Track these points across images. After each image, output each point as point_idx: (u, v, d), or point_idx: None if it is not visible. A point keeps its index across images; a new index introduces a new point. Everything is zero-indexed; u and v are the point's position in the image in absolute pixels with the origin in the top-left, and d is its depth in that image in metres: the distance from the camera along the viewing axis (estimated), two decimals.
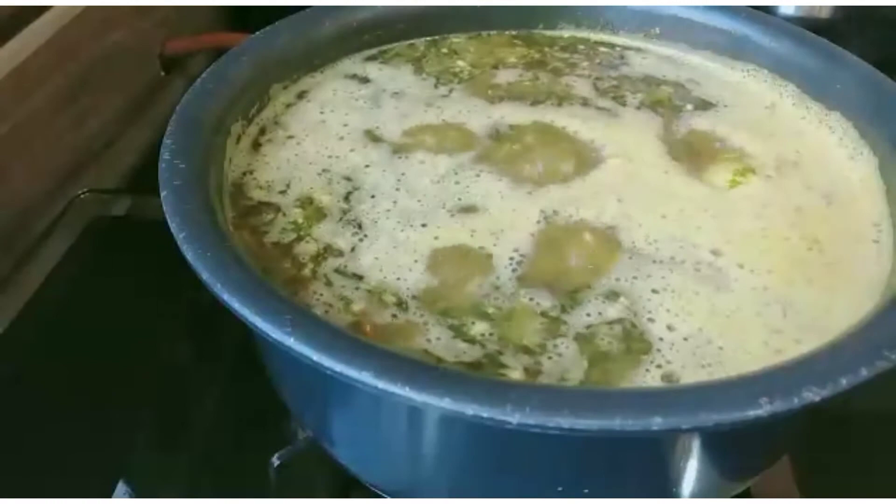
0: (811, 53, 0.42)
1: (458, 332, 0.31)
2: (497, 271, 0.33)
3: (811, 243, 0.35)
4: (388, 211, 0.36)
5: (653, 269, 0.33)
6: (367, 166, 0.38)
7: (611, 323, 0.31)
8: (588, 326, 0.31)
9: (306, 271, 0.33)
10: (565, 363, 0.30)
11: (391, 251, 0.34)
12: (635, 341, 0.31)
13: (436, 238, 0.34)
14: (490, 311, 0.31)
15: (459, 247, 0.34)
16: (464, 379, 0.27)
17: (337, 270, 0.33)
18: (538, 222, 0.35)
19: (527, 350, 0.30)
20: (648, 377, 0.29)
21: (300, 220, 0.35)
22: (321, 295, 0.32)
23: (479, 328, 0.31)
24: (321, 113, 0.42)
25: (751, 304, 0.32)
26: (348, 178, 0.38)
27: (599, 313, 0.32)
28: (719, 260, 0.34)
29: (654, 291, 0.32)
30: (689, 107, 0.43)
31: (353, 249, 0.34)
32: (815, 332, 0.30)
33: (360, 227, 0.35)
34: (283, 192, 0.37)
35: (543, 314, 0.32)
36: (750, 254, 0.34)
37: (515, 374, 0.29)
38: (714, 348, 0.30)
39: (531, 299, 0.32)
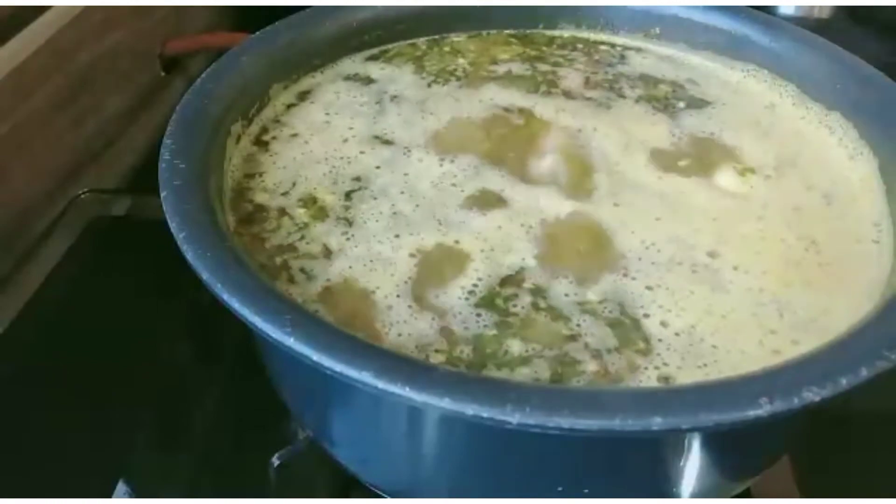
0: (811, 53, 0.42)
1: (507, 364, 0.30)
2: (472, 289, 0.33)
3: (808, 244, 0.35)
4: (380, 213, 0.36)
5: (647, 271, 0.33)
6: (377, 167, 0.38)
7: (601, 301, 0.32)
8: (580, 304, 0.32)
9: (277, 262, 0.33)
10: (599, 334, 0.31)
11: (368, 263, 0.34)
12: (629, 318, 0.31)
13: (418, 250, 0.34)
14: (494, 332, 0.31)
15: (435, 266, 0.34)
16: (464, 379, 0.27)
17: (302, 270, 0.33)
18: (527, 232, 0.35)
19: (571, 339, 0.30)
20: (644, 378, 0.29)
21: (305, 221, 0.35)
22: (289, 292, 0.32)
23: (516, 349, 0.30)
24: (326, 114, 0.41)
25: (746, 304, 0.32)
26: (357, 178, 0.38)
27: (576, 293, 0.32)
28: (715, 262, 0.34)
29: (647, 288, 0.32)
30: (688, 106, 0.43)
31: (340, 250, 0.34)
32: (814, 333, 0.31)
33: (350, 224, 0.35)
34: (286, 193, 0.37)
35: (535, 307, 0.32)
36: (746, 255, 0.34)
37: (592, 367, 0.29)
38: (708, 346, 0.30)
39: (517, 305, 0.32)
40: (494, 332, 0.31)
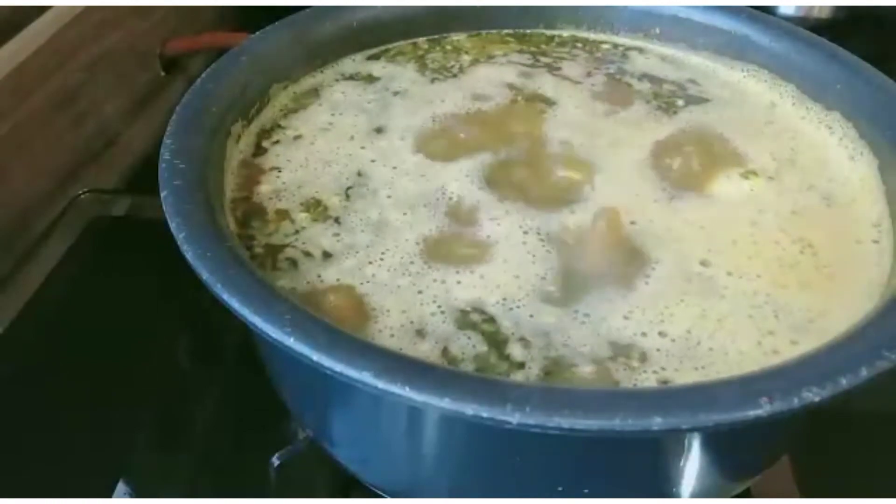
0: (811, 53, 0.42)
1: (503, 372, 0.30)
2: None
3: (804, 247, 0.35)
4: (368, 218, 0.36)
5: (640, 278, 0.33)
6: (373, 162, 0.38)
7: (588, 314, 0.32)
8: (573, 318, 0.31)
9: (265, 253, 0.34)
10: (590, 343, 0.30)
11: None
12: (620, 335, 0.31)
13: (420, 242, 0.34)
14: (483, 350, 0.30)
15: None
16: (464, 379, 0.27)
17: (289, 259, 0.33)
18: (515, 237, 0.34)
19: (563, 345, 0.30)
20: (643, 380, 0.29)
21: (305, 224, 0.35)
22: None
23: (518, 354, 0.30)
24: (331, 114, 0.42)
25: (742, 308, 0.32)
26: (358, 174, 0.38)
27: (567, 304, 0.32)
28: (707, 270, 0.33)
29: (639, 299, 0.32)
30: (688, 106, 0.43)
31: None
32: (813, 334, 0.31)
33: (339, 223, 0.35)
34: (289, 194, 0.37)
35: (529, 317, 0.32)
36: (739, 260, 0.34)
37: (588, 370, 0.29)
38: (704, 349, 0.30)
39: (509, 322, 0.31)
40: (484, 348, 0.30)
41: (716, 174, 0.38)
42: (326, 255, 0.34)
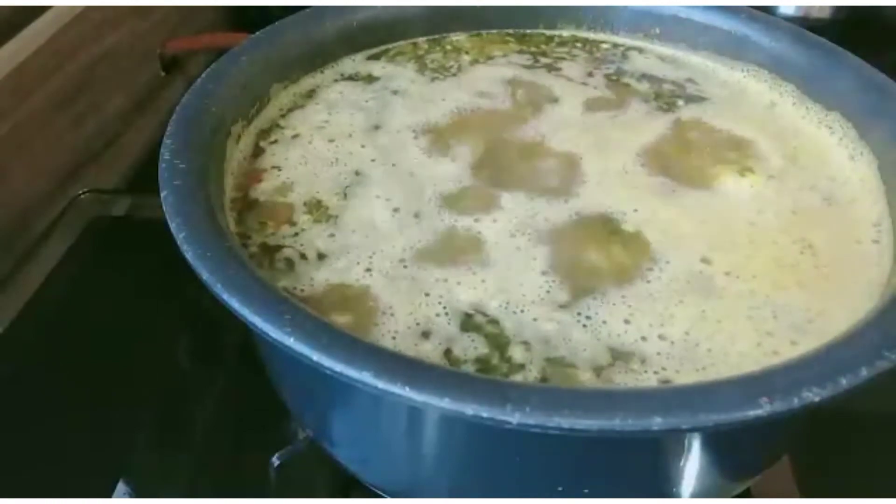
0: (811, 53, 0.42)
1: (504, 372, 0.30)
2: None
3: (804, 247, 0.35)
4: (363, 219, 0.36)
5: (638, 279, 0.33)
6: (372, 161, 0.38)
7: (588, 318, 0.31)
8: (576, 321, 0.31)
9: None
10: (592, 348, 0.30)
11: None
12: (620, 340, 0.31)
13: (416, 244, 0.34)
14: (486, 352, 0.30)
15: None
16: (464, 379, 0.27)
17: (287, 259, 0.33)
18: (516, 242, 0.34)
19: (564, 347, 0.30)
20: (644, 380, 0.29)
21: (306, 226, 0.35)
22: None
23: (518, 356, 0.30)
24: (329, 114, 0.42)
25: (741, 308, 0.32)
26: (356, 173, 0.38)
27: (566, 308, 0.32)
28: (708, 268, 0.33)
29: (637, 301, 0.32)
30: (687, 106, 0.43)
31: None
32: (812, 334, 0.31)
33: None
34: (288, 194, 0.37)
35: (532, 321, 0.31)
36: (738, 260, 0.34)
37: (587, 375, 0.29)
38: (703, 350, 0.30)
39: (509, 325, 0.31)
40: (486, 350, 0.30)
41: (715, 173, 0.38)
42: (322, 256, 0.34)
